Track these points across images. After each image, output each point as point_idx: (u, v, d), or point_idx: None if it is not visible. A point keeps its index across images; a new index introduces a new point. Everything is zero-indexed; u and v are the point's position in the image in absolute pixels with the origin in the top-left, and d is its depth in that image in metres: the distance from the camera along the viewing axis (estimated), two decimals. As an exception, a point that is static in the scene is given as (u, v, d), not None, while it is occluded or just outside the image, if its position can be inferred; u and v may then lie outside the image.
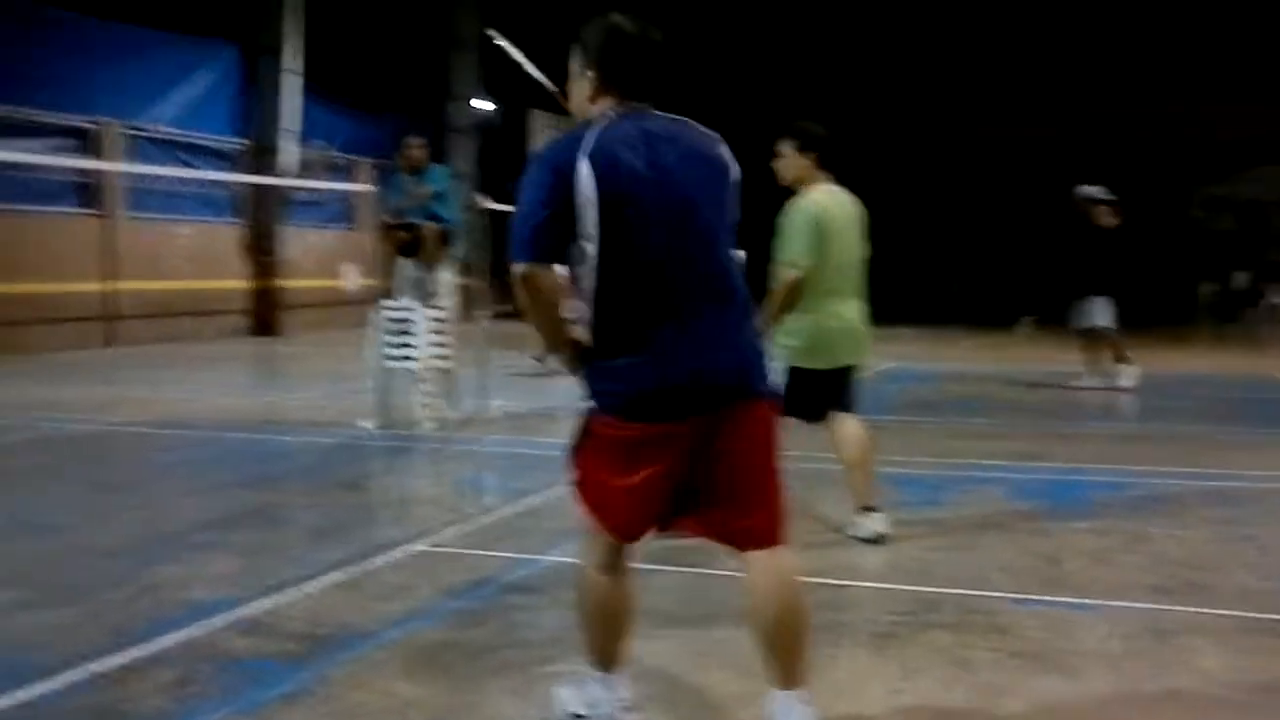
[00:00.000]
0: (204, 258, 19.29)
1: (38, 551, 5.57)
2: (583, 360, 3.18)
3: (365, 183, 21.54)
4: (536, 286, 3.06)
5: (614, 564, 3.34)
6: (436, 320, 9.50)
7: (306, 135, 20.63)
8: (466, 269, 14.46)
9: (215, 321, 19.36)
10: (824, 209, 5.49)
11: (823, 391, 5.59)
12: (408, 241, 9.64)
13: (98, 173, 17.08)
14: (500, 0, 24.48)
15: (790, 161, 5.59)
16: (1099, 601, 4.71)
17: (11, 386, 12.43)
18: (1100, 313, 12.02)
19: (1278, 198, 29.48)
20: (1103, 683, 3.86)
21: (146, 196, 18.23)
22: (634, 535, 3.30)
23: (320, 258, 21.21)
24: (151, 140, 18.27)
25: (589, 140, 3.05)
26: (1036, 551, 5.54)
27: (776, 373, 5.24)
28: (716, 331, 3.09)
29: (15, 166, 15.48)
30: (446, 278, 9.87)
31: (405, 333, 9.40)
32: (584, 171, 2.99)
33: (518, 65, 25.38)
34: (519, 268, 3.04)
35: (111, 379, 13.55)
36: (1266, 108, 27.32)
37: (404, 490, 7.46)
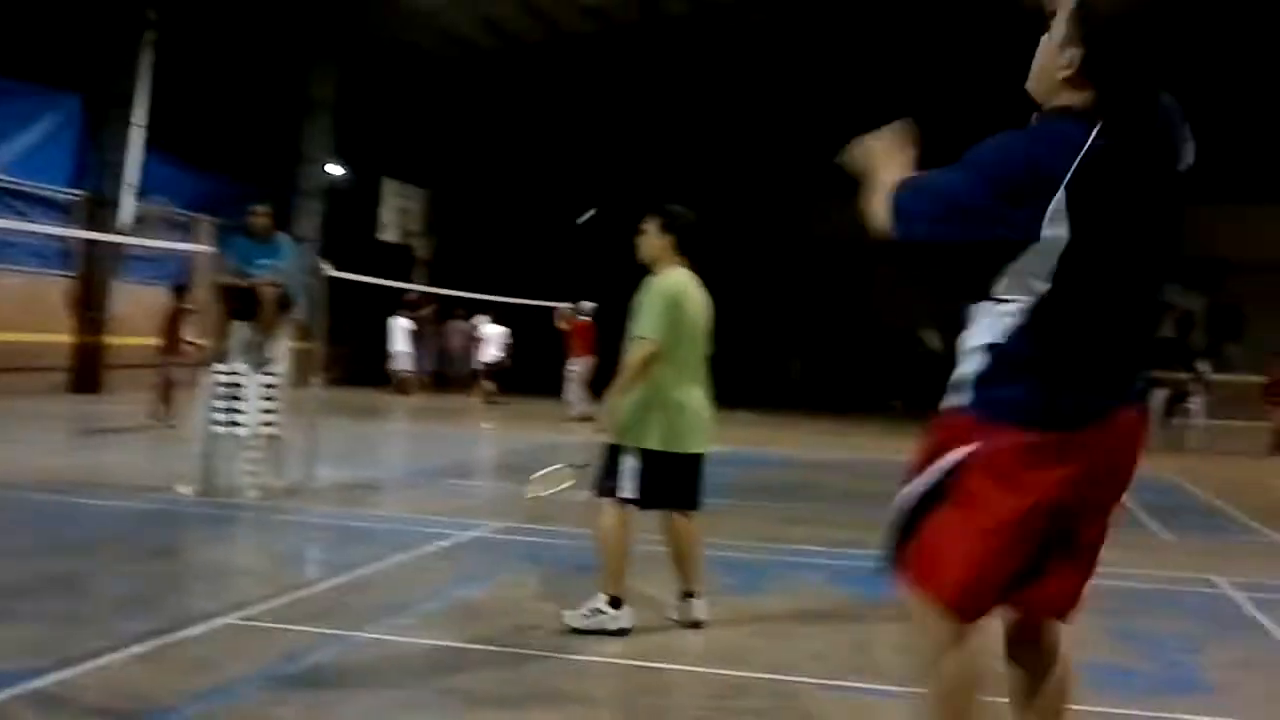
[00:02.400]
0: (29, 309, 18.52)
1: None
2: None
3: (206, 242, 21.05)
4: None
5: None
6: (268, 386, 9.31)
7: (148, 190, 20.11)
8: (305, 333, 14.27)
9: (37, 377, 18.54)
10: (682, 290, 5.61)
11: (671, 477, 5.52)
12: (243, 304, 9.47)
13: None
14: (356, 65, 24.49)
15: (651, 240, 5.70)
16: (904, 688, 4.85)
17: None
18: None
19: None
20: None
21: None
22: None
23: (153, 315, 20.55)
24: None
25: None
26: (848, 638, 5.68)
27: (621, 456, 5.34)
28: None
29: None
30: (282, 343, 9.71)
31: (234, 397, 9.19)
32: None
33: (368, 131, 25.36)
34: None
35: (-84, 432, 12.86)
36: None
37: (220, 560, 7.24)
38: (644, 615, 5.76)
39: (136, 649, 4.85)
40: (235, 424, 9.15)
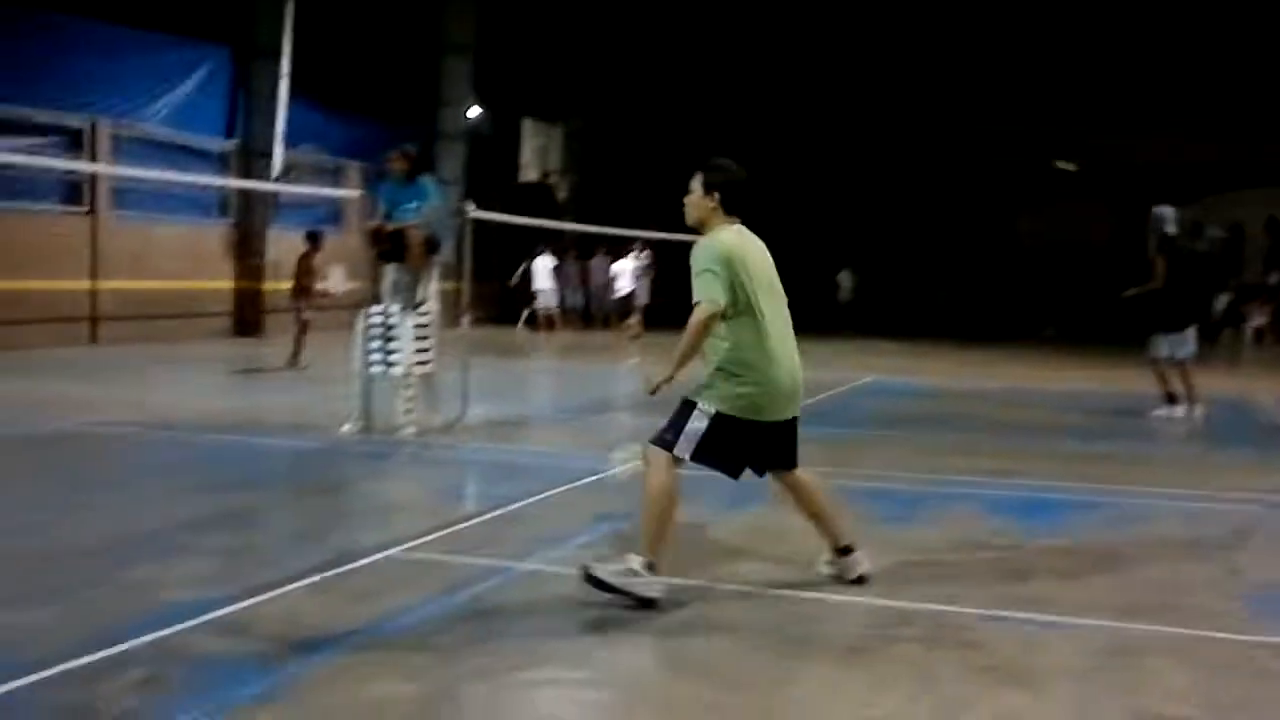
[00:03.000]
0: (190, 258, 19.29)
1: (15, 551, 5.57)
2: None
3: (354, 186, 21.54)
4: None
5: None
6: (419, 326, 9.52)
7: (297, 138, 20.65)
8: (451, 275, 14.53)
9: (199, 322, 19.34)
10: (731, 249, 5.10)
11: (750, 443, 5.10)
12: (392, 247, 9.66)
13: (87, 171, 17.07)
14: (493, 6, 24.59)
15: (696, 201, 5.25)
16: (1067, 619, 4.76)
17: (-7, 383, 12.41)
18: (1165, 345, 11.53)
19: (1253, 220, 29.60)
20: (1068, 699, 3.90)
21: (134, 195, 18.22)
22: None
23: (307, 260, 21.20)
24: (141, 140, 18.26)
25: None
26: (1006, 568, 5.59)
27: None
28: None
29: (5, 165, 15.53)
30: (431, 283, 9.89)
31: (389, 338, 9.43)
32: None
33: (506, 71, 25.46)
34: None
35: (94, 378, 13.53)
36: (1238, 133, 27.51)
37: (382, 495, 7.47)
38: (803, 543, 5.73)
39: (307, 580, 5.04)
40: (390, 363, 9.40)
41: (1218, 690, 4.03)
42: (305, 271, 15.05)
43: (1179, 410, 11.47)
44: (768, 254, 5.32)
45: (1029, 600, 5.03)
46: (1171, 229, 11.56)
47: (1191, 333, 11.53)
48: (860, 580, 5.21)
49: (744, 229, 5.27)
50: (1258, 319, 26.82)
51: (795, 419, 5.21)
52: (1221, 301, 28.59)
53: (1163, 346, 11.51)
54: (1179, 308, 11.51)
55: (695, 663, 4.16)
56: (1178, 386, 11.54)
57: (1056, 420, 11.41)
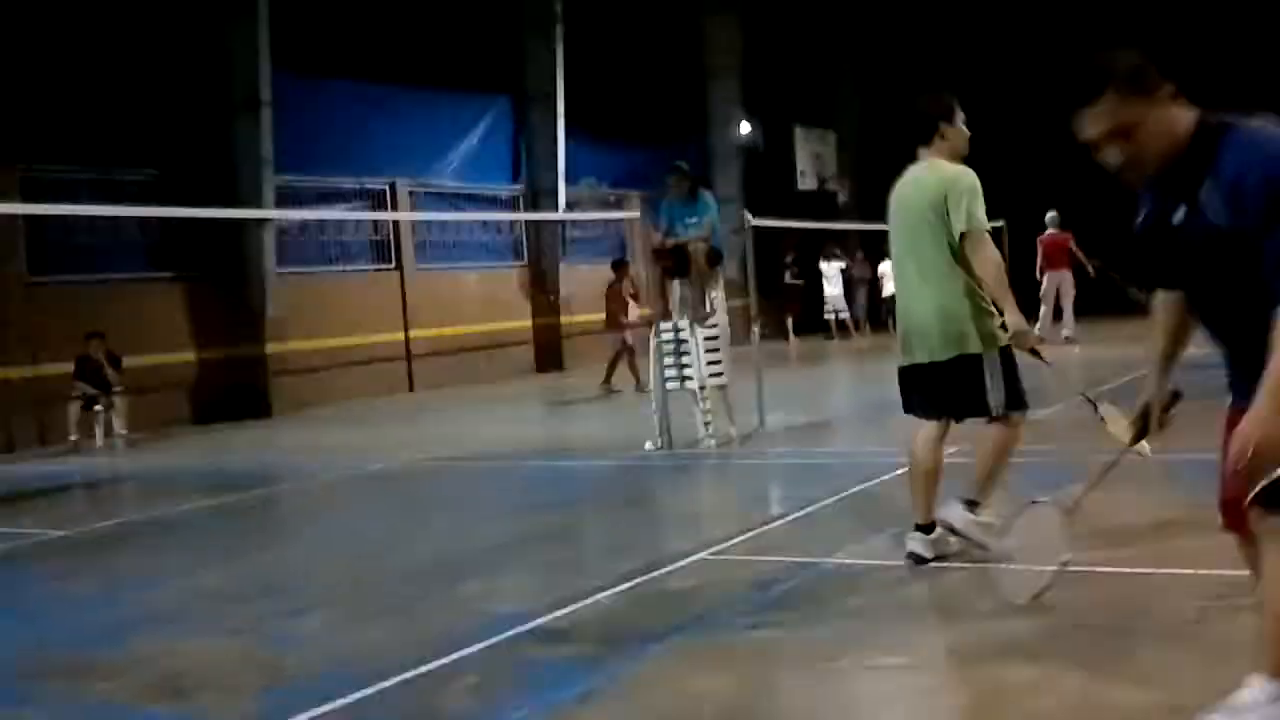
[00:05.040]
0: (490, 301, 20.26)
1: (354, 573, 6.01)
2: None
3: (634, 213, 22.07)
4: None
5: None
6: (710, 339, 9.62)
7: (577, 174, 21.37)
8: (737, 289, 14.64)
9: (504, 361, 20.25)
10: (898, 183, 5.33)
11: (913, 387, 5.34)
12: (676, 262, 9.83)
13: (390, 230, 18.26)
14: (756, 18, 24.71)
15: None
16: None
17: (325, 432, 13.44)
18: None
19: None
20: None
21: (434, 248, 19.33)
22: None
23: (598, 291, 21.88)
24: (436, 194, 19.39)
25: None
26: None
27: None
28: None
29: (322, 230, 16.85)
30: (717, 297, 9.99)
31: (681, 353, 9.58)
32: None
33: (773, 82, 25.49)
34: None
35: (413, 421, 14.41)
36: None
37: (689, 504, 7.60)
38: (1111, 519, 5.41)
39: (621, 587, 5.17)
40: (685, 378, 9.54)
41: None
42: (615, 299, 15.58)
43: None
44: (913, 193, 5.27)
45: None
46: None
47: None
48: (912, 557, 5.09)
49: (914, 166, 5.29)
50: None
51: (934, 364, 5.10)
52: None
53: None
54: None
55: (1019, 644, 3.99)
56: None
57: None
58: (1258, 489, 2.68)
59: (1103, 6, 25.97)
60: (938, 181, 5.09)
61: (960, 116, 5.27)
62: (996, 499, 5.22)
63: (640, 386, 14.70)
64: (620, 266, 16.19)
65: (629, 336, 15.21)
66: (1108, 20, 26.15)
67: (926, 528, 5.10)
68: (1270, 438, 2.57)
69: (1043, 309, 17.00)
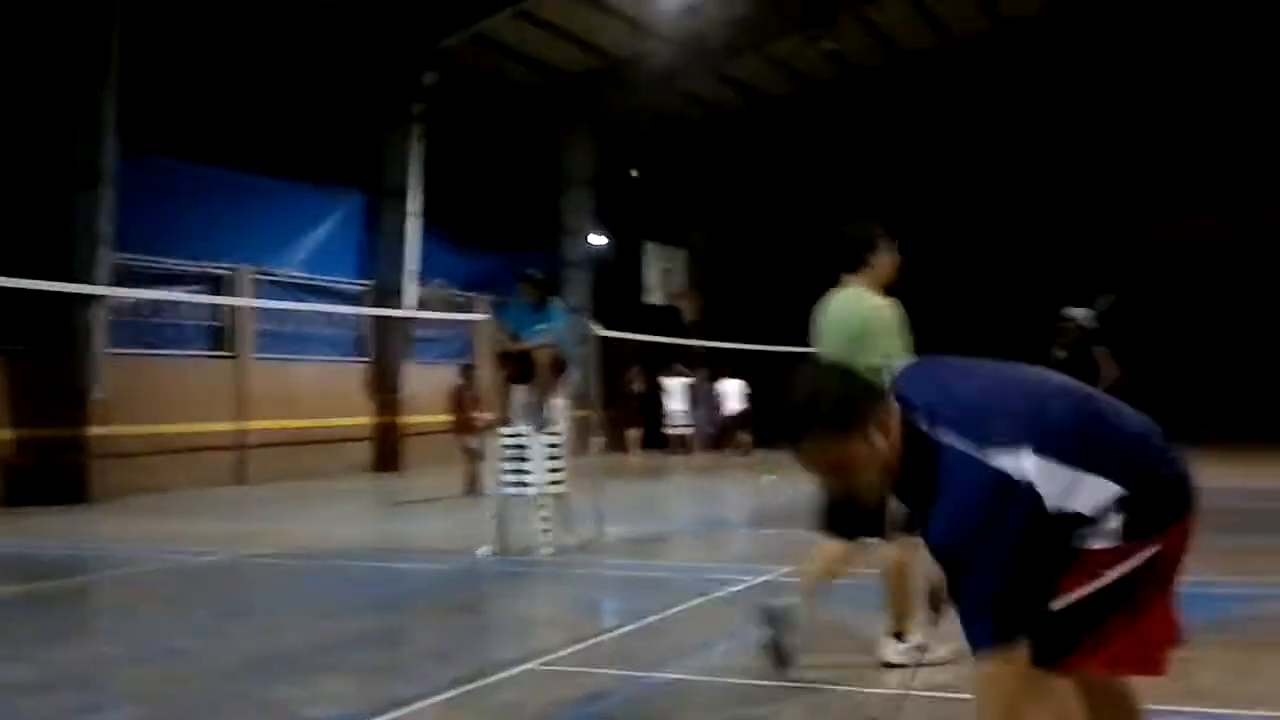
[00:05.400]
0: (330, 396, 19.83)
1: (165, 670, 5.68)
2: None
3: (483, 315, 22.03)
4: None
5: None
6: (551, 445, 9.58)
7: (426, 274, 21.26)
8: (581, 399, 14.66)
9: (341, 457, 19.79)
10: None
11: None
12: (520, 368, 9.80)
13: (229, 316, 17.81)
14: (611, 139, 25.22)
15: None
16: (1238, 712, 4.49)
17: (147, 521, 12.83)
18: None
19: None
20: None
21: (275, 339, 18.90)
22: None
23: (441, 393, 21.66)
24: (280, 283, 19.02)
25: None
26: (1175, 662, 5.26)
27: None
28: None
29: (158, 312, 16.30)
30: (560, 404, 9.98)
31: (521, 459, 9.49)
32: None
33: (625, 199, 25.97)
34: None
35: (241, 514, 13.90)
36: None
37: (520, 612, 7.45)
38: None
39: (446, 695, 5.01)
40: (523, 484, 9.44)
41: None
42: (460, 404, 15.43)
43: None
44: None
45: (1195, 694, 4.72)
46: (1093, 324, 11.25)
47: None
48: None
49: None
50: None
51: None
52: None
53: None
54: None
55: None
56: None
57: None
58: None
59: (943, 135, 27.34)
60: (858, 313, 5.21)
61: (886, 245, 5.38)
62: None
63: (471, 490, 14.50)
64: (469, 370, 16.13)
65: (473, 441, 15.06)
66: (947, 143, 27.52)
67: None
68: None
69: None
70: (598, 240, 26.11)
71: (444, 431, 15.44)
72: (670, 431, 24.38)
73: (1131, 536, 2.62)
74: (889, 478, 2.73)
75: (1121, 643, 2.76)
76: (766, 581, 7.84)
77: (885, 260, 5.36)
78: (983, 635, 2.54)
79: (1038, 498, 2.55)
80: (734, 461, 21.65)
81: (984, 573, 2.54)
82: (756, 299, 27.55)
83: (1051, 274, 24.90)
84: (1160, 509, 2.68)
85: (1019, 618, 2.54)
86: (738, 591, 7.51)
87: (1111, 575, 2.63)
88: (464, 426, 15.20)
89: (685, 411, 24.58)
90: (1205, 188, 26.11)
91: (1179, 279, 26.65)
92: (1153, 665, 2.87)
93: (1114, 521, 2.61)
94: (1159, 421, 2.77)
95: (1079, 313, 11.27)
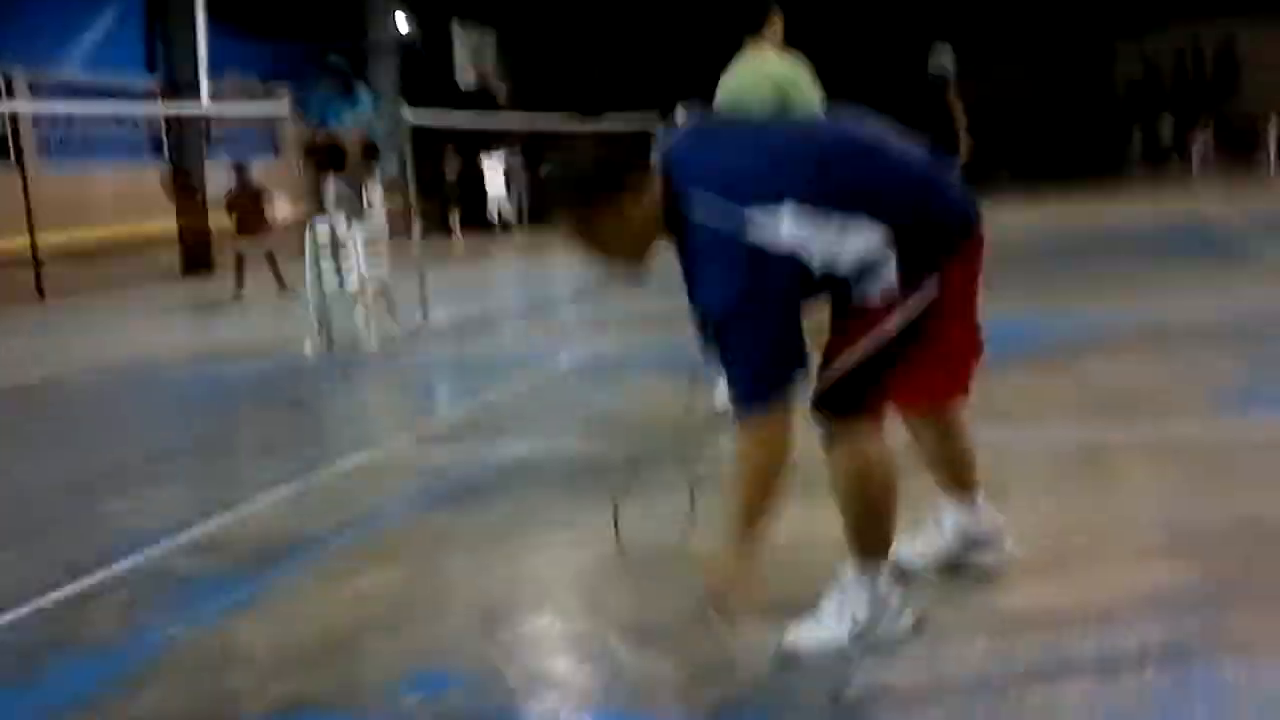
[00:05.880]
0: (128, 202, 18.86)
1: (-19, 498, 5.48)
2: None
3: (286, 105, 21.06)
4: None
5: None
6: (369, 235, 9.32)
7: (221, 66, 20.08)
8: (397, 186, 14.27)
9: (147, 265, 18.97)
10: None
11: None
12: (329, 156, 9.42)
13: (8, 125, 16.58)
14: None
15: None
16: (1031, 431, 4.81)
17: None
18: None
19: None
20: (1040, 505, 3.90)
21: (61, 145, 17.74)
22: None
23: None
24: (61, 85, 17.72)
25: None
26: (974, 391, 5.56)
27: None
28: None
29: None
30: (376, 193, 9.68)
31: (337, 251, 9.22)
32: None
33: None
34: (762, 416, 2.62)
35: (45, 330, 13.30)
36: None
37: (351, 404, 7.39)
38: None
39: (280, 491, 4.96)
40: (343, 276, 9.21)
41: (1186, 477, 4.08)
42: (233, 206, 14.91)
43: None
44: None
45: (994, 415, 4.98)
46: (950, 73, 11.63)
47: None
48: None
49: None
50: (1200, 143, 27.25)
51: None
52: (1166, 125, 28.88)
53: None
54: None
55: (680, 515, 4.12)
56: None
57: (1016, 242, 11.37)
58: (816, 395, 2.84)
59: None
60: (774, 75, 5.09)
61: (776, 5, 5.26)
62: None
63: (237, 295, 14.16)
64: (241, 169, 15.40)
65: (267, 240, 14.67)
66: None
67: None
68: (722, 583, 2.69)
69: None
70: (403, 24, 25.02)
71: (264, 233, 14.86)
72: (491, 212, 24.11)
73: (910, 282, 2.70)
74: (648, 246, 2.75)
75: (920, 378, 2.92)
76: (596, 353, 7.94)
77: (778, 20, 5.27)
78: (745, 399, 2.64)
79: (795, 263, 2.60)
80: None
81: (740, 346, 2.61)
82: (571, 75, 26.97)
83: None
84: (935, 245, 2.75)
85: (779, 382, 2.61)
86: (570, 366, 7.59)
87: (895, 323, 2.72)
88: (245, 228, 14.77)
89: (504, 192, 24.29)
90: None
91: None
92: (956, 387, 3.09)
93: (889, 265, 2.67)
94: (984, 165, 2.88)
95: (945, 62, 11.40)
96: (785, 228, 2.57)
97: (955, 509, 3.28)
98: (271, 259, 14.64)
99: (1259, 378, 5.54)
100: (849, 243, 2.64)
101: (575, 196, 2.69)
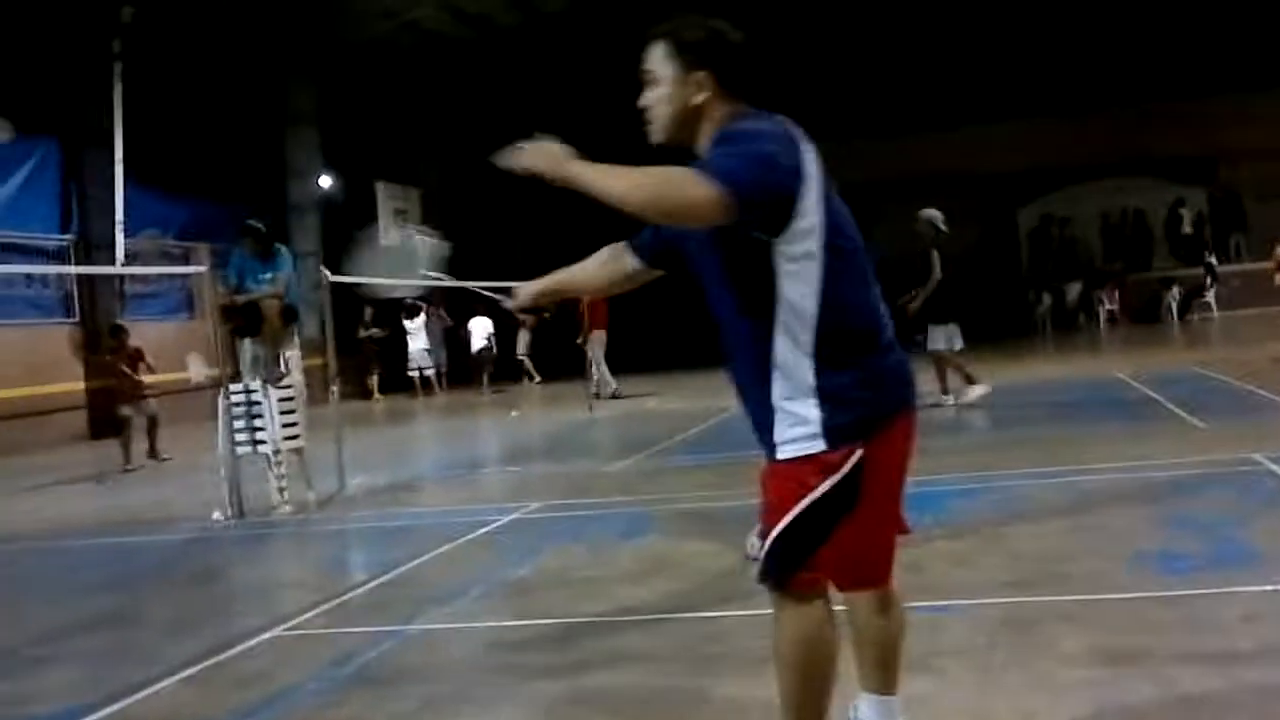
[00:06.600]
0: (35, 362, 18.45)
1: None
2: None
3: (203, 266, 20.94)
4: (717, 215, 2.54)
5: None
6: (284, 400, 9.19)
7: (138, 225, 19.99)
8: (315, 348, 14.16)
9: (52, 428, 18.48)
10: None
11: None
12: (247, 320, 9.35)
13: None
14: (332, 72, 24.26)
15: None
16: (960, 601, 4.76)
17: None
18: (942, 337, 12.26)
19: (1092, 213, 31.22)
20: (969, 678, 3.86)
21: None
22: None
23: (162, 351, 20.48)
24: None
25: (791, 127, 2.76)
26: (898, 560, 5.54)
27: None
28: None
29: None
30: (293, 356, 9.60)
31: (253, 415, 9.07)
32: (808, 148, 2.72)
33: (354, 137, 25.08)
34: (720, 191, 2.50)
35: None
36: (1079, 129, 28.78)
37: (263, 576, 7.16)
38: (698, 563, 5.62)
39: (185, 673, 4.75)
40: (258, 441, 9.04)
41: (1110, 647, 4.06)
42: (110, 370, 14.63)
43: (979, 390, 12.12)
44: None
45: (921, 588, 4.98)
46: (944, 227, 12.32)
47: (956, 325, 12.30)
48: None
49: None
50: (1108, 305, 28.21)
51: None
52: (1074, 290, 29.85)
53: (940, 339, 12.24)
54: (950, 301, 12.29)
55: (603, 693, 4.01)
56: (954, 377, 12.32)
57: (929, 418, 11.52)
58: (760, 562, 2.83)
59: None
60: None
61: None
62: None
63: (123, 465, 13.77)
64: (117, 331, 15.10)
65: (149, 405, 14.33)
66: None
67: None
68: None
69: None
70: (326, 181, 25.24)
71: (142, 397, 14.46)
72: (413, 373, 23.99)
73: (836, 442, 2.70)
74: (690, 137, 2.81)
75: (851, 550, 2.86)
76: (515, 520, 7.82)
77: None
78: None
79: (800, 180, 2.66)
80: (480, 400, 21.55)
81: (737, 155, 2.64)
82: (495, 235, 27.30)
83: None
84: (869, 408, 2.74)
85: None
86: (486, 532, 7.46)
87: (823, 486, 2.71)
88: (122, 393, 14.45)
89: (427, 351, 24.22)
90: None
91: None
92: (883, 570, 3.04)
93: (813, 412, 2.69)
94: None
95: (934, 214, 12.08)
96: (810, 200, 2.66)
97: (873, 704, 3.14)
98: (153, 425, 14.29)
99: (1172, 540, 5.60)
100: (805, 271, 2.68)
101: (680, 41, 2.77)
